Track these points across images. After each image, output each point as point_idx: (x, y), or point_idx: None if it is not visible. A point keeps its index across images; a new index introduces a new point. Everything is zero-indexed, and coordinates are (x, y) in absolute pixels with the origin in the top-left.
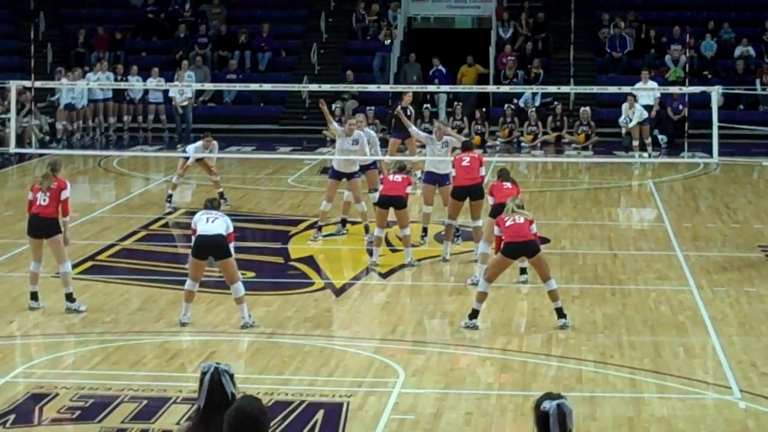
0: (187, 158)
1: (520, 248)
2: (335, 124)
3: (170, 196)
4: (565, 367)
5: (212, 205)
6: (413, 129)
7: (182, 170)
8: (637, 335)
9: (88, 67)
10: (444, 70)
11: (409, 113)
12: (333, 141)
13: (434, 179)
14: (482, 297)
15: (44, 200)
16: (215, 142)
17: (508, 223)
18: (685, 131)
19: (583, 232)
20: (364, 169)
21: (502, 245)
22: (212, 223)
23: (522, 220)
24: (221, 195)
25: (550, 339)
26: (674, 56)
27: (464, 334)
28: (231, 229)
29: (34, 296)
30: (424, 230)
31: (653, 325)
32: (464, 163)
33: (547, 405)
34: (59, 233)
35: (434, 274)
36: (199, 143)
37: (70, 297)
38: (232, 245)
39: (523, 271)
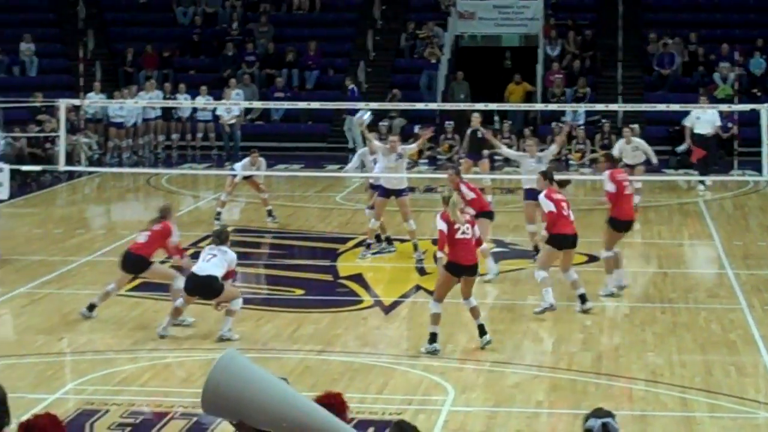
0: (235, 176)
1: None
2: (375, 141)
3: (219, 213)
4: (615, 386)
5: (219, 239)
6: (505, 150)
7: (230, 188)
8: (688, 354)
9: (137, 86)
10: (356, 89)
11: (480, 135)
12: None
13: (533, 195)
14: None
15: (142, 238)
16: (262, 159)
17: None
18: (735, 149)
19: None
20: (399, 193)
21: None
22: (207, 263)
23: None
24: (269, 212)
25: (600, 357)
26: (723, 74)
27: (515, 352)
28: (233, 266)
29: (91, 307)
30: (535, 248)
31: (704, 343)
32: (564, 212)
33: (592, 423)
34: (147, 268)
35: (483, 293)
36: (246, 160)
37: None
38: (228, 282)
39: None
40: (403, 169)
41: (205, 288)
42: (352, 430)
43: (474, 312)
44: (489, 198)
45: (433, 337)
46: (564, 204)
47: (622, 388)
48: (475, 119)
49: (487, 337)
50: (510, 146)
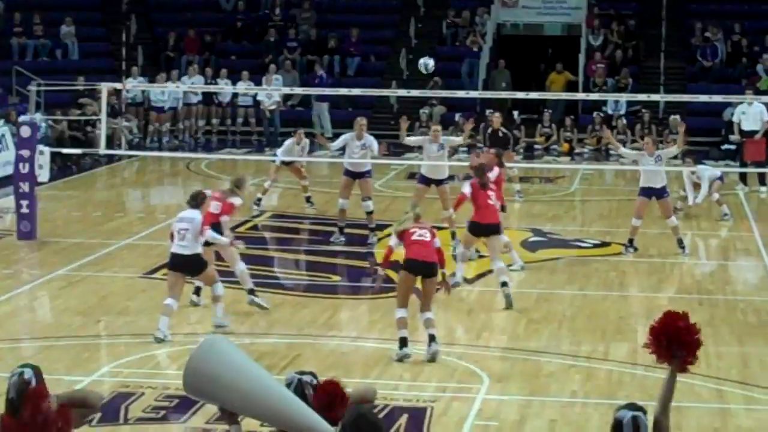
0: (280, 162)
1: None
2: (412, 138)
3: (259, 199)
4: (650, 377)
5: (195, 202)
6: (623, 150)
7: (274, 174)
8: (725, 346)
9: (178, 71)
10: (324, 75)
11: (501, 134)
12: (420, 147)
13: (648, 193)
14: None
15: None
16: (306, 140)
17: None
18: None
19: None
20: (359, 175)
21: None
22: (183, 241)
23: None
24: (308, 199)
25: (636, 348)
26: (766, 65)
27: (550, 341)
28: (198, 227)
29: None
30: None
31: (741, 335)
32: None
33: (622, 414)
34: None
35: (518, 282)
36: (290, 141)
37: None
38: (208, 230)
39: None
40: (445, 158)
41: (187, 266)
42: (321, 421)
43: (428, 323)
44: (517, 187)
45: (402, 342)
46: (490, 193)
47: (657, 378)
48: (496, 120)
49: (436, 346)
50: (550, 136)
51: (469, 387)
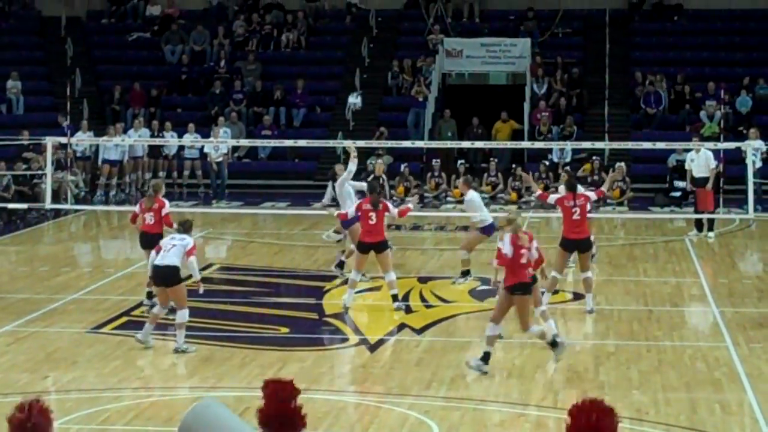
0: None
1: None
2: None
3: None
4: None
5: (183, 228)
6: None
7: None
8: (673, 392)
9: (124, 124)
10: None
11: (381, 181)
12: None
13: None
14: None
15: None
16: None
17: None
18: (721, 187)
19: (619, 287)
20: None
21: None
22: (167, 253)
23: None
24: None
25: (585, 394)
26: (709, 112)
27: (500, 389)
28: (189, 246)
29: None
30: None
31: (689, 381)
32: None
33: None
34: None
35: (468, 329)
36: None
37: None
38: (193, 258)
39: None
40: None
41: (164, 277)
42: None
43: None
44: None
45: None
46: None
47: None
48: (379, 167)
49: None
50: (496, 185)
51: None
